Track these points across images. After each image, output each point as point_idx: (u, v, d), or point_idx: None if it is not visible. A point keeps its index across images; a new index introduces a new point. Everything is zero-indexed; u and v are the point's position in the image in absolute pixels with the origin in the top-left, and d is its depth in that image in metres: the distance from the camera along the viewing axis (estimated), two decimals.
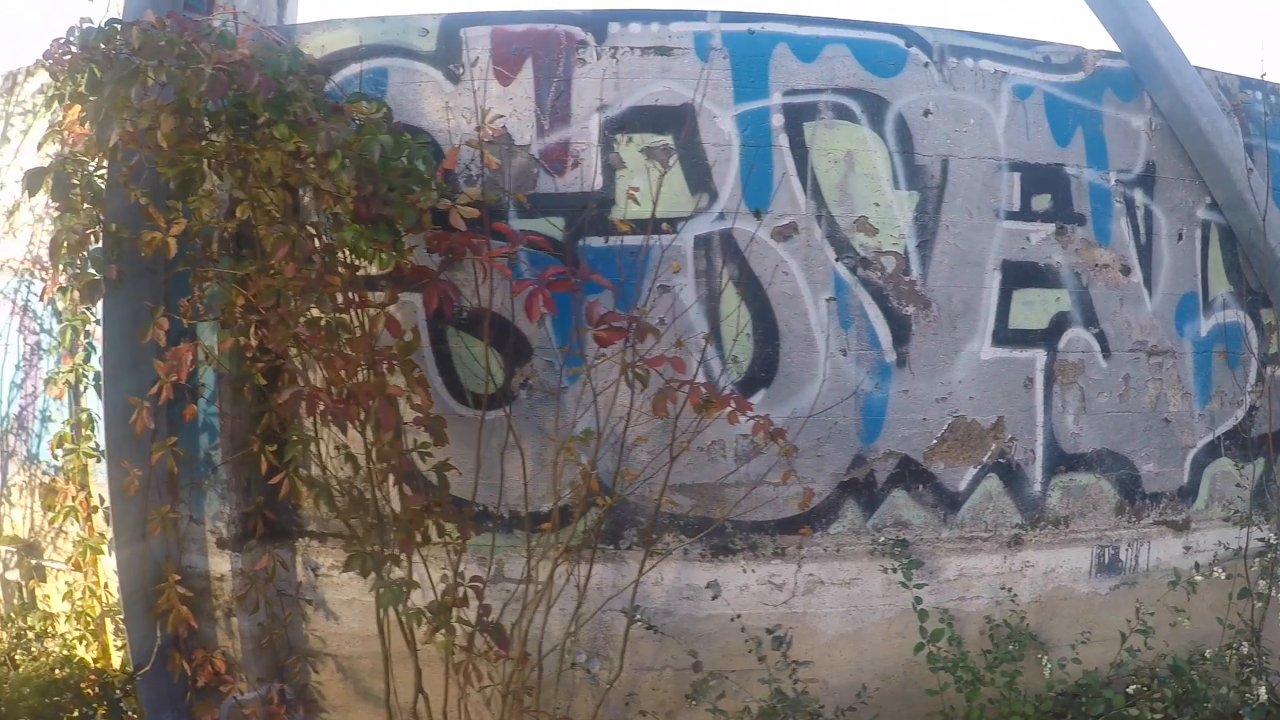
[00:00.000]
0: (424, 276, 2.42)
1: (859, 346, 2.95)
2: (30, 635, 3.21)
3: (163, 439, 2.89)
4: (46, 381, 3.09)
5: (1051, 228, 3.04)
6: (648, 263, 2.80)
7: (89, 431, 3.11)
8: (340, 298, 2.46)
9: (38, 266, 3.33)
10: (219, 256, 2.82)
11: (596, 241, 2.84)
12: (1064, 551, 3.09)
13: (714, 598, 2.95)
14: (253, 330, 2.63)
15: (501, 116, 2.79)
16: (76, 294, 2.85)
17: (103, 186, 2.80)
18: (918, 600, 2.89)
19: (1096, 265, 3.07)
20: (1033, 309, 3.03)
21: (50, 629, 3.32)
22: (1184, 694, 2.77)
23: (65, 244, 2.74)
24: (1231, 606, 2.93)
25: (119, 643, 3.18)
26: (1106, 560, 3.12)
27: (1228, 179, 3.01)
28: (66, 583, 3.34)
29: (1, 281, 3.43)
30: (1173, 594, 3.04)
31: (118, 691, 2.92)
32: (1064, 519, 3.09)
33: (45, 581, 3.40)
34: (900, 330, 2.96)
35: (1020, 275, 3.03)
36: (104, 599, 3.17)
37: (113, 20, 2.71)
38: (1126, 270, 3.09)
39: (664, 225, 2.80)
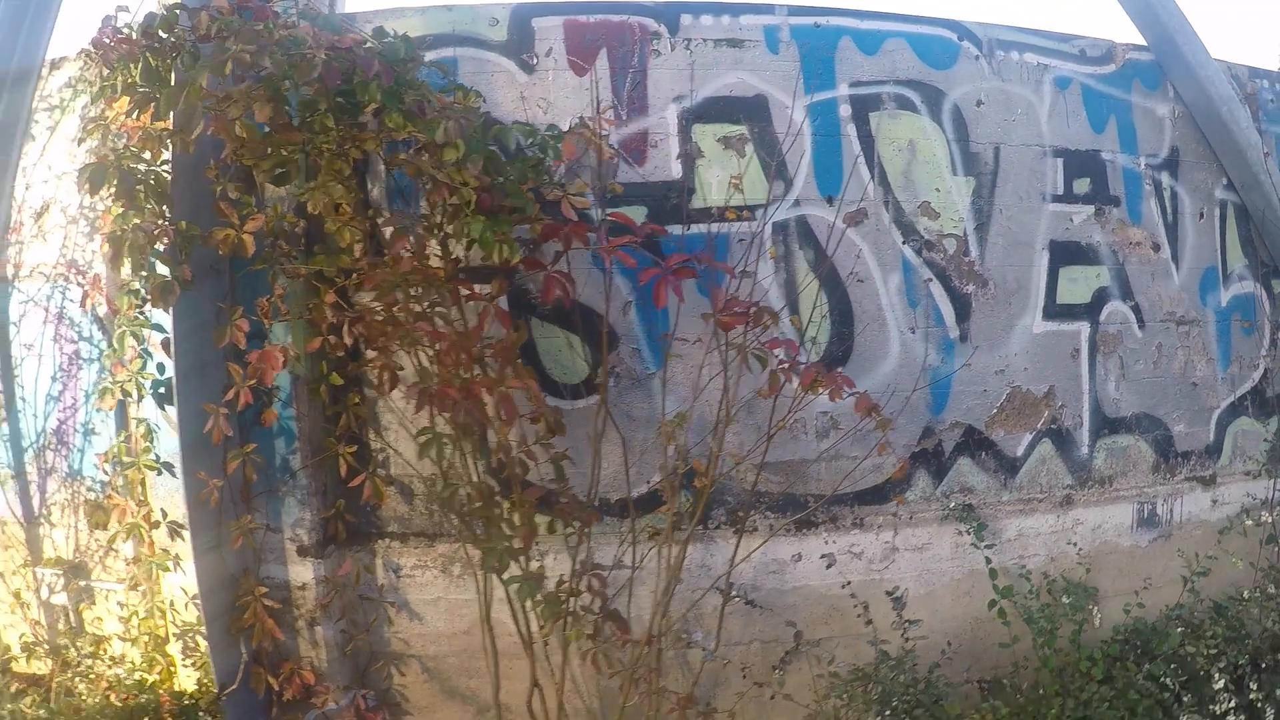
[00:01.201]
0: (538, 267, 2.42)
1: (926, 324, 3.10)
2: (88, 662, 3.04)
3: (238, 446, 2.79)
4: (101, 392, 2.92)
5: (1091, 209, 3.27)
6: (726, 249, 2.87)
7: (148, 443, 2.97)
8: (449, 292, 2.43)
9: (73, 271, 3.14)
10: (295, 254, 2.73)
11: (677, 229, 2.89)
12: (1109, 509, 3.34)
13: (798, 570, 3.06)
14: (347, 328, 2.57)
15: (625, 107, 2.80)
16: (146, 297, 2.72)
17: (167, 182, 2.68)
18: (988, 560, 3.08)
19: (1131, 243, 3.32)
20: (1077, 285, 3.25)
21: (102, 652, 3.15)
22: (1228, 631, 3.04)
23: (130, 244, 2.61)
24: (1262, 551, 3.23)
25: (187, 662, 3.05)
26: (1146, 515, 3.39)
27: (1244, 162, 3.30)
28: (119, 603, 3.18)
29: (32, 288, 3.21)
30: (1203, 545, 3.33)
31: (201, 714, 2.80)
32: (1108, 478, 3.33)
33: (95, 603, 3.22)
34: (962, 308, 3.13)
35: (1065, 254, 3.24)
36: (171, 618, 3.03)
37: (175, 6, 2.60)
38: (1156, 247, 3.35)
39: (745, 212, 2.88)
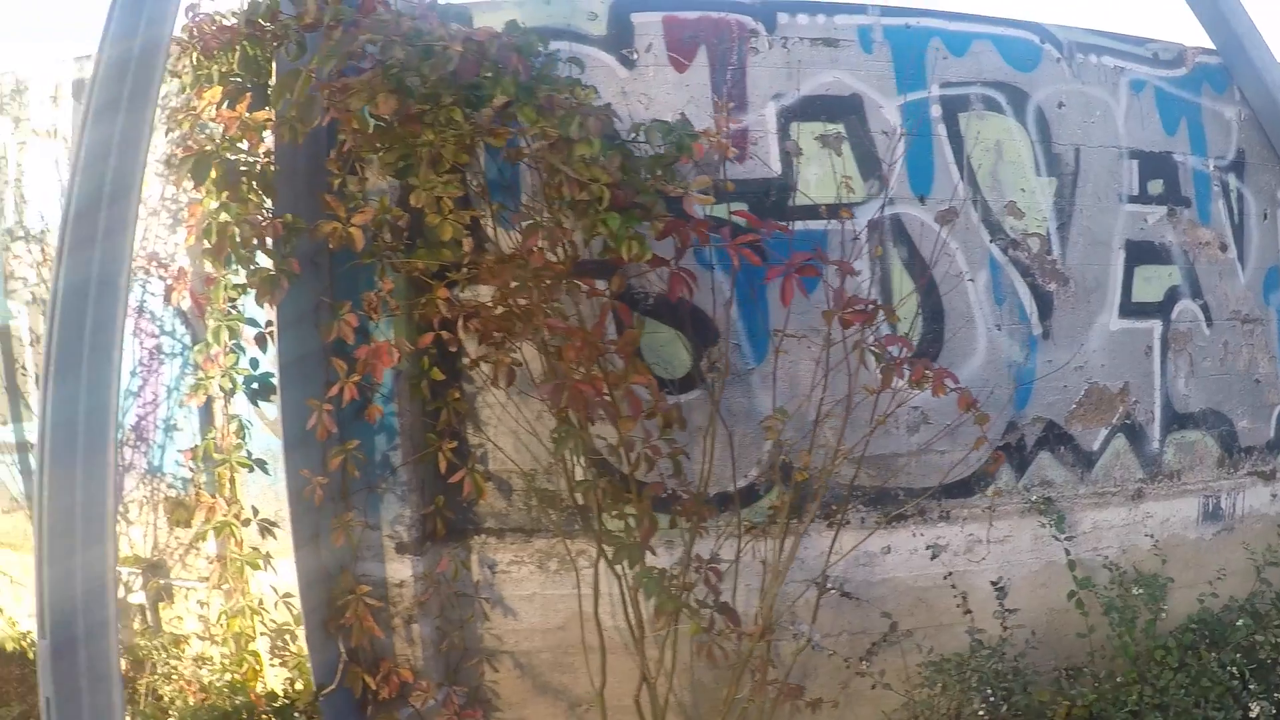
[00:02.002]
0: (662, 264, 2.43)
1: (1011, 321, 3.17)
2: (173, 663, 2.98)
3: (341, 442, 2.76)
4: (193, 387, 2.87)
5: (1164, 210, 3.36)
6: (826, 246, 2.90)
7: (240, 439, 2.92)
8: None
9: (155, 264, 3.08)
10: (401, 248, 2.70)
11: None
12: (1176, 502, 3.44)
13: (886, 563, 3.11)
14: (461, 323, 2.55)
15: (725, 104, 2.80)
16: (244, 290, 2.68)
17: (271, 173, 2.64)
18: (1068, 552, 3.16)
19: (1200, 243, 3.42)
20: (1150, 284, 3.35)
21: (180, 651, 3.10)
22: None
23: (235, 236, 2.57)
24: None
25: (274, 662, 3.01)
26: (1210, 509, 3.50)
27: None
28: (199, 602, 3.13)
29: None
30: (1264, 538, 3.44)
31: (297, 715, 2.77)
32: (1177, 473, 3.44)
33: (173, 602, 3.16)
34: (1044, 305, 3.21)
35: (1139, 253, 3.33)
36: (260, 617, 2.98)
37: None
38: (1224, 247, 3.46)
39: (843, 210, 2.92)
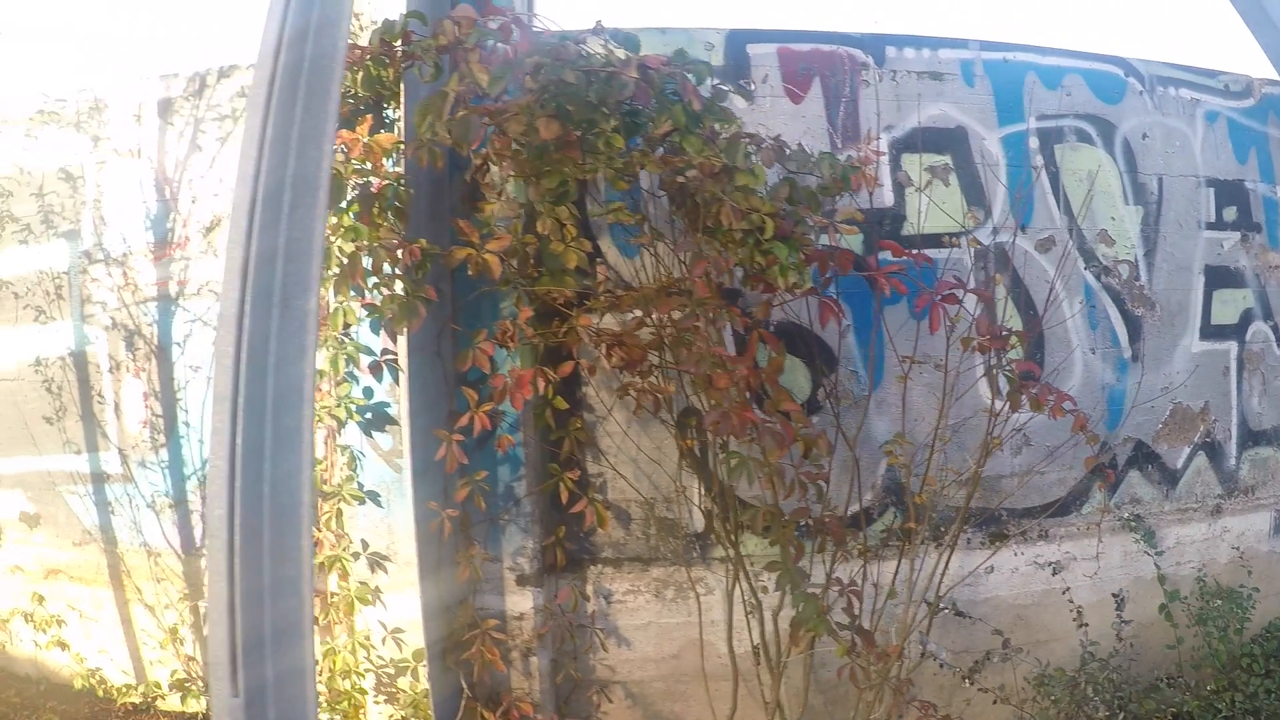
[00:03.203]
0: (812, 293, 2.45)
1: (1104, 345, 3.27)
2: None
3: (470, 474, 2.70)
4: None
5: (1238, 236, 3.51)
6: (939, 274, 2.95)
7: (351, 471, 2.84)
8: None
9: None
10: (535, 274, 2.67)
11: (886, 254, 2.94)
12: (1251, 516, 3.57)
13: (989, 582, 3.16)
14: (604, 352, 2.53)
15: (839, 135, 2.86)
16: (364, 317, 2.62)
17: (406, 196, 2.59)
18: (1158, 567, 3.26)
19: (1270, 267, 3.58)
20: (1227, 307, 3.49)
21: None
22: None
23: (372, 262, 2.51)
24: None
25: (379, 699, 2.93)
26: None
27: None
28: None
29: (200, 306, 3.02)
30: None
31: None
32: (1251, 488, 3.57)
33: None
34: (1134, 329, 3.31)
35: (1217, 278, 3.47)
36: (368, 652, 2.89)
37: (413, 12, 2.53)
38: None
39: (972, 240, 2.99)
